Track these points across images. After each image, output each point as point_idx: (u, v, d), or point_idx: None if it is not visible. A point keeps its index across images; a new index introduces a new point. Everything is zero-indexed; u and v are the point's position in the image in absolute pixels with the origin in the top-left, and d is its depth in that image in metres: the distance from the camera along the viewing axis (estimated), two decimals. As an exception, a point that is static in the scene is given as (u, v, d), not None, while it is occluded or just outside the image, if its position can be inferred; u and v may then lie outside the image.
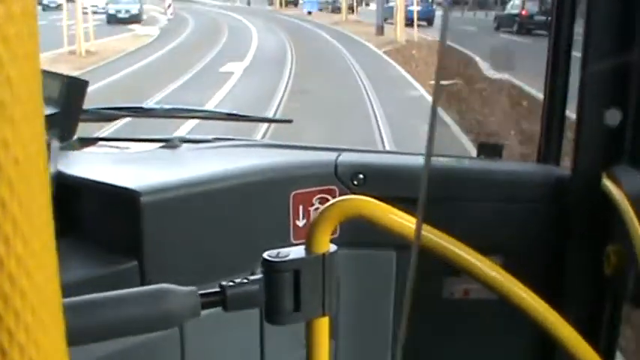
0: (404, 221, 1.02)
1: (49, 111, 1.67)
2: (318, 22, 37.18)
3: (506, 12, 26.12)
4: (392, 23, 32.51)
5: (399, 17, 25.58)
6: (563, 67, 1.81)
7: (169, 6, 40.74)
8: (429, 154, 0.84)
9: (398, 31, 25.21)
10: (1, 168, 0.35)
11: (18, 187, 0.36)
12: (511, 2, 26.62)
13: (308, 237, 1.02)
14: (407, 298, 0.93)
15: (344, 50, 21.95)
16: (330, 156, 1.84)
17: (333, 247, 1.03)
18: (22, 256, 0.36)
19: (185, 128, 7.45)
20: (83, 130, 1.91)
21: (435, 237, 1.06)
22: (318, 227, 1.01)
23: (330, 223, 1.02)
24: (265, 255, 1.01)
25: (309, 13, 45.73)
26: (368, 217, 1.03)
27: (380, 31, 28.69)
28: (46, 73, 1.74)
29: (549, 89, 1.84)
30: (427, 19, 33.09)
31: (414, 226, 1.02)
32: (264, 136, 8.40)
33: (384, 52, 21.43)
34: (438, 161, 1.89)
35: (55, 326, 0.39)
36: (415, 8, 26.08)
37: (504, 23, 24.46)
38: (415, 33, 24.31)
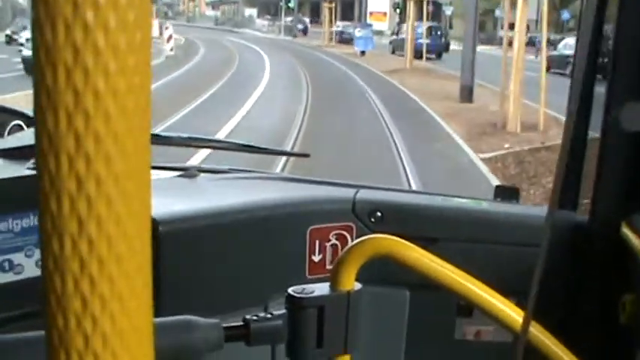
0: (434, 264, 1.02)
1: None
2: (369, 69, 25.76)
3: (557, 52, 25.09)
4: (429, 58, 28.83)
5: (515, 76, 12.83)
6: (583, 111, 1.80)
7: (169, 39, 30.07)
8: (551, 209, 0.82)
9: (511, 105, 12.67)
10: (111, 201, 0.36)
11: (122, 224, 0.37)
12: (563, 42, 25.90)
13: (333, 274, 1.02)
14: None
15: (400, 144, 11.21)
16: (349, 192, 1.85)
17: (358, 285, 1.03)
18: (116, 278, 0.38)
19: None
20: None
21: (455, 275, 1.05)
22: (344, 264, 1.01)
23: (357, 261, 1.02)
24: (290, 290, 1.02)
25: (363, 53, 33.55)
26: (394, 256, 1.02)
27: (467, 94, 16.77)
28: None
29: (568, 132, 1.82)
30: (437, 52, 33.20)
31: (443, 269, 1.02)
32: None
33: (485, 162, 10.21)
34: (456, 202, 1.88)
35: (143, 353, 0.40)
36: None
37: (556, 64, 23.30)
38: (542, 109, 12.43)
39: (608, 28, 1.69)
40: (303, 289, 1.02)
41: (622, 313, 1.58)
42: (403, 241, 1.03)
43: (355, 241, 1.05)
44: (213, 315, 1.00)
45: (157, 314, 0.96)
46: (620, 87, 1.63)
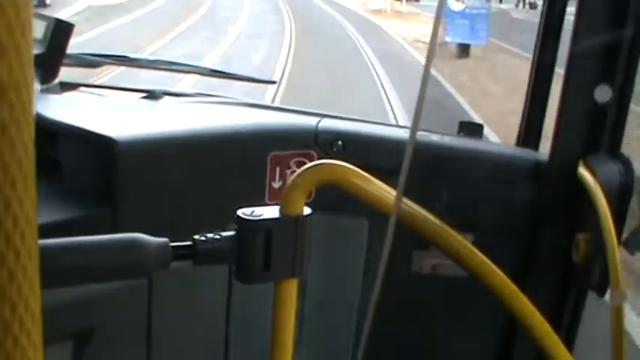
0: (379, 190, 1.03)
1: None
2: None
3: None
4: None
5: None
6: (550, 51, 1.81)
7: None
8: (414, 129, 0.83)
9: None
10: None
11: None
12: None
13: (283, 198, 1.02)
14: (379, 273, 0.94)
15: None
16: (312, 121, 1.84)
17: (307, 210, 1.02)
18: (7, 198, 0.38)
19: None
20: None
21: (409, 209, 1.06)
22: (294, 189, 1.01)
23: (307, 186, 1.02)
24: (239, 212, 1.01)
25: (463, 51, 13.54)
26: (345, 183, 1.03)
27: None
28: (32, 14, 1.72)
29: (535, 73, 1.84)
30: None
31: (389, 196, 1.02)
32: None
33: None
34: (419, 135, 1.88)
35: (32, 269, 0.40)
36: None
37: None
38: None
39: None
40: (253, 211, 1.01)
41: (575, 252, 1.61)
42: (355, 168, 1.03)
43: (305, 166, 1.04)
44: (169, 235, 1.00)
45: (112, 231, 0.96)
46: (586, 31, 1.63)
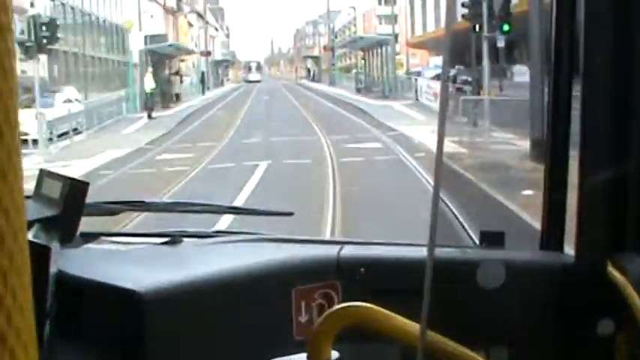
0: (404, 325, 1.01)
1: (49, 213, 1.69)
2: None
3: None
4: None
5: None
6: (562, 151, 1.80)
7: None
8: (431, 252, 0.83)
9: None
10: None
11: None
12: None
13: (309, 347, 1.01)
14: None
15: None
16: (332, 250, 1.83)
17: (335, 355, 1.01)
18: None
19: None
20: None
21: (438, 342, 1.04)
22: (318, 336, 1.01)
23: (331, 331, 1.01)
24: None
25: None
26: (368, 324, 1.02)
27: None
28: (47, 174, 1.77)
29: (549, 174, 1.83)
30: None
31: (412, 330, 1.01)
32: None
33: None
34: (440, 252, 1.86)
35: None
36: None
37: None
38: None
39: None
40: None
41: (618, 354, 1.56)
42: (375, 307, 1.03)
43: (327, 312, 1.05)
44: None
45: None
46: (594, 127, 1.63)
